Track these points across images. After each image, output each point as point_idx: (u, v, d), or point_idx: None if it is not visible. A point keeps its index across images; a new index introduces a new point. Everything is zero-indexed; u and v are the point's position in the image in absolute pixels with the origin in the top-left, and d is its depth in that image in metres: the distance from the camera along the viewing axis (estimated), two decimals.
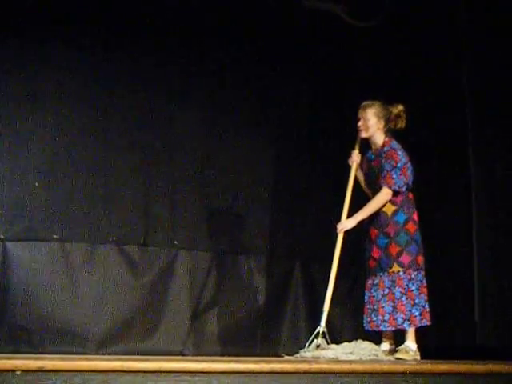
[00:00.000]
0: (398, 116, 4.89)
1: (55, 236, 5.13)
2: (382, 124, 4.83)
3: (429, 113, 5.97)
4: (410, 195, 4.79)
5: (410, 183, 4.76)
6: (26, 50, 5.19)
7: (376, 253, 4.75)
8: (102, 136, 5.35)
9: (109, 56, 5.38)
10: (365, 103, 4.87)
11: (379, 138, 4.85)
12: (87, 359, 3.16)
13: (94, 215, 5.26)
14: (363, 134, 4.88)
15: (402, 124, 4.90)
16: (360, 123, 4.87)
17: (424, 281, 4.69)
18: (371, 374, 3.32)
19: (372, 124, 4.83)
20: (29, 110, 5.18)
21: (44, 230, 5.11)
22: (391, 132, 4.87)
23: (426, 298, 4.66)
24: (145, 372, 2.99)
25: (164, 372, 3.00)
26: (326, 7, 5.72)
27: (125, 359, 3.18)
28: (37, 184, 5.14)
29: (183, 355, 5.29)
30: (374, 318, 4.69)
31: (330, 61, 5.99)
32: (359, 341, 4.72)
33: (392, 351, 4.70)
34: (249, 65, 5.80)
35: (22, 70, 5.17)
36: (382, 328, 4.68)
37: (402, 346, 4.65)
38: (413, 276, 4.65)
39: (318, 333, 4.61)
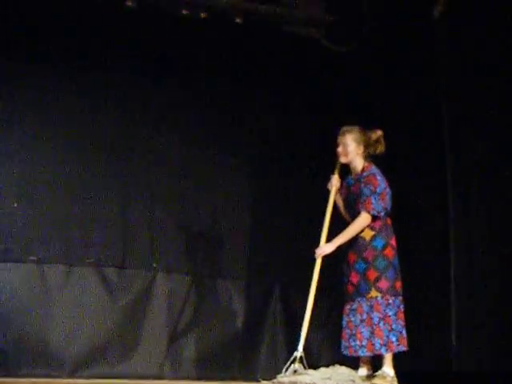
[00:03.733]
0: (377, 141, 4.89)
1: (32, 257, 5.10)
2: (361, 149, 4.84)
3: (405, 137, 6.01)
4: (388, 221, 4.79)
5: (389, 208, 4.77)
6: (4, 70, 5.18)
7: (354, 278, 4.75)
8: (80, 157, 5.36)
9: (88, 78, 5.40)
10: (344, 128, 4.88)
11: (359, 163, 4.86)
12: None
13: (71, 237, 5.26)
14: (343, 160, 4.89)
15: (381, 149, 4.90)
16: (339, 148, 4.88)
17: (401, 306, 4.69)
18: None
19: (351, 149, 4.84)
20: (7, 131, 5.16)
21: (21, 252, 5.08)
22: (370, 157, 4.90)
23: (402, 323, 4.66)
24: None
25: None
26: (306, 32, 5.76)
27: None
28: (15, 205, 5.11)
29: (160, 379, 5.25)
30: (353, 344, 4.69)
31: (307, 84, 6.04)
32: (337, 366, 4.71)
33: (369, 377, 4.70)
34: (226, 86, 5.83)
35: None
36: (360, 353, 4.67)
37: (380, 371, 4.64)
38: (390, 301, 4.65)
39: (296, 358, 4.59)
